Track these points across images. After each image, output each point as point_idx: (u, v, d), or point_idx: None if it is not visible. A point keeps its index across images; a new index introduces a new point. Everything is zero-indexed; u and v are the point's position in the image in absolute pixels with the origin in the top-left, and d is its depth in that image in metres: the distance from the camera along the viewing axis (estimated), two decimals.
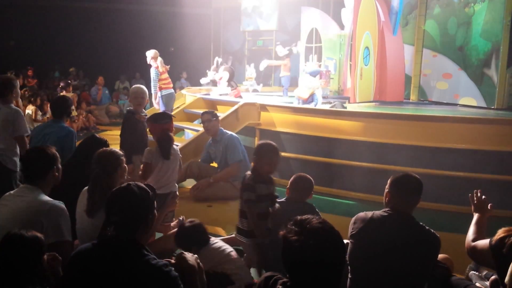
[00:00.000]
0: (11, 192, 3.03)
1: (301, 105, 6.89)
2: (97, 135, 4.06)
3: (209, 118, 5.83)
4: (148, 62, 8.19)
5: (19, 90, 4.75)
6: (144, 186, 2.27)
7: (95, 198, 3.09)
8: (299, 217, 1.86)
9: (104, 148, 3.45)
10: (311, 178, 3.65)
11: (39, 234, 2.39)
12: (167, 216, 4.30)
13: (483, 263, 2.82)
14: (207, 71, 8.83)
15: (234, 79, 8.18)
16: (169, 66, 8.51)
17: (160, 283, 2.07)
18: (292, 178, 3.64)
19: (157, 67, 8.03)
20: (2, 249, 2.31)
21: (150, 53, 8.15)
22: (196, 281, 2.43)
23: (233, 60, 8.47)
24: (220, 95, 8.10)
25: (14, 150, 4.48)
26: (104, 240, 2.18)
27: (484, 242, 2.69)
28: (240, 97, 7.76)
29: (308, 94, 6.85)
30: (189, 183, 6.06)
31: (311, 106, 6.75)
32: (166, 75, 8.22)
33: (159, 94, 8.13)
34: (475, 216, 2.99)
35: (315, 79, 6.93)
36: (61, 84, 11.26)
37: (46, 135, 4.59)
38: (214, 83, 8.98)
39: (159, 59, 8.16)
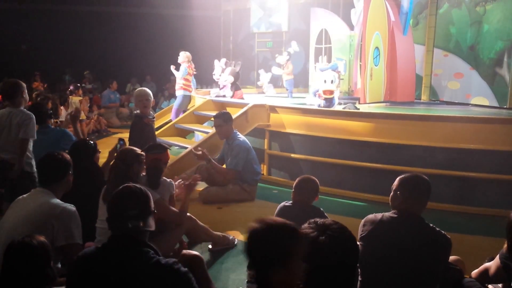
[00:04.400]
0: (24, 195, 3.08)
1: (320, 105, 6.80)
2: (86, 140, 4.27)
3: (220, 123, 5.80)
4: (180, 62, 9.17)
5: (27, 95, 4.77)
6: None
7: (112, 186, 3.31)
8: (312, 220, 1.89)
9: (126, 146, 3.87)
10: (315, 180, 3.57)
11: (45, 239, 2.39)
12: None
13: (497, 279, 2.77)
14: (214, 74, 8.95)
15: (238, 82, 8.22)
16: (195, 72, 9.56)
17: (174, 280, 2.12)
18: (296, 181, 3.60)
19: (189, 66, 9.13)
20: (10, 257, 2.32)
21: (185, 54, 9.21)
22: (205, 271, 2.44)
23: (242, 65, 8.55)
24: (216, 96, 8.27)
25: (27, 152, 4.49)
26: (114, 241, 2.20)
27: (495, 260, 2.68)
28: (243, 99, 7.80)
29: (334, 87, 6.71)
30: (199, 186, 6.07)
31: (321, 105, 6.66)
32: (191, 78, 9.31)
33: (181, 92, 9.11)
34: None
35: (334, 73, 6.83)
36: (71, 87, 11.37)
37: (40, 141, 4.65)
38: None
39: (191, 63, 9.26)
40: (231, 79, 7.93)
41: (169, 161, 4.12)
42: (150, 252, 2.17)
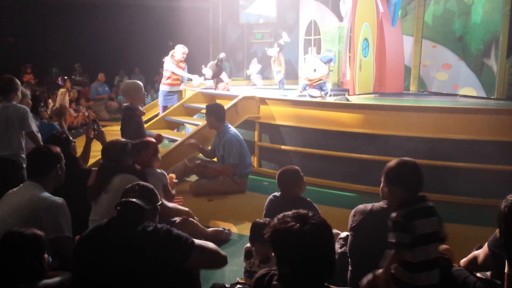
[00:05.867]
0: (14, 189, 3.08)
1: (305, 91, 6.82)
2: (56, 134, 4.26)
3: (205, 114, 5.91)
4: (180, 58, 8.80)
5: (20, 92, 4.78)
6: None
7: (96, 183, 3.42)
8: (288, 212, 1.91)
9: (111, 140, 3.78)
10: (293, 169, 3.58)
11: (39, 232, 2.41)
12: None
13: (485, 267, 2.81)
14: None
15: (223, 74, 8.15)
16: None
17: (168, 238, 2.43)
18: (278, 172, 3.63)
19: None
20: (3, 246, 2.33)
21: (184, 49, 8.84)
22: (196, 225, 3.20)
23: (225, 57, 8.41)
24: (199, 87, 8.27)
25: (22, 146, 4.55)
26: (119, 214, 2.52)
27: (483, 248, 2.71)
28: (228, 90, 7.82)
29: (316, 77, 6.74)
30: (190, 178, 6.08)
31: (320, 94, 6.67)
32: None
33: (175, 88, 8.87)
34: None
35: (325, 66, 6.83)
36: (59, 80, 11.33)
37: None
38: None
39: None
40: (209, 72, 7.90)
41: (157, 150, 4.06)
42: (150, 223, 2.47)
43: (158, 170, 3.87)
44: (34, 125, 4.58)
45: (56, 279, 2.47)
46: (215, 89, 7.91)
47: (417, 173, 2.70)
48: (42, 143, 4.47)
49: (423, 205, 2.59)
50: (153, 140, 4.01)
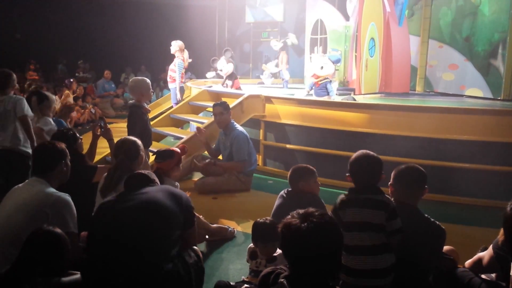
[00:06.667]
0: (20, 185, 3.09)
1: (311, 89, 6.83)
2: (63, 130, 4.27)
3: (221, 111, 5.80)
4: (172, 52, 8.76)
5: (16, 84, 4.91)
6: None
7: (112, 180, 3.40)
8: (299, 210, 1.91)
9: (126, 137, 3.76)
10: (303, 167, 3.60)
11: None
12: None
13: (490, 268, 2.80)
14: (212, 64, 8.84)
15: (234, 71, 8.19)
16: (191, 60, 9.26)
17: (186, 201, 2.70)
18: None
19: (183, 59, 8.73)
20: (35, 244, 2.43)
21: (177, 44, 8.78)
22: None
23: (233, 55, 8.40)
24: (224, 86, 8.16)
25: (25, 137, 4.64)
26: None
27: (488, 250, 2.70)
28: (240, 89, 7.80)
29: (323, 74, 6.75)
30: (195, 176, 6.09)
31: (325, 97, 6.69)
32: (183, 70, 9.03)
33: (177, 85, 8.77)
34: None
35: (332, 65, 6.83)
36: (65, 81, 11.42)
37: None
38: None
39: (186, 51, 8.88)
40: (231, 67, 7.88)
41: (180, 161, 4.06)
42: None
43: (173, 182, 3.87)
44: (27, 111, 4.64)
45: (71, 277, 2.50)
46: (232, 86, 7.92)
47: (365, 167, 2.79)
48: (31, 132, 4.57)
49: (365, 196, 2.71)
50: (179, 150, 4.03)
